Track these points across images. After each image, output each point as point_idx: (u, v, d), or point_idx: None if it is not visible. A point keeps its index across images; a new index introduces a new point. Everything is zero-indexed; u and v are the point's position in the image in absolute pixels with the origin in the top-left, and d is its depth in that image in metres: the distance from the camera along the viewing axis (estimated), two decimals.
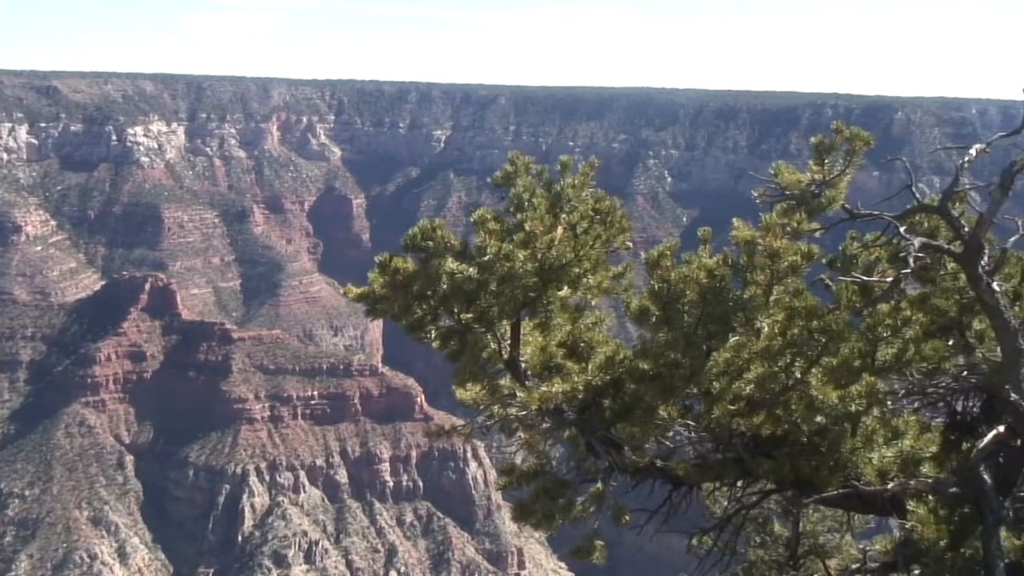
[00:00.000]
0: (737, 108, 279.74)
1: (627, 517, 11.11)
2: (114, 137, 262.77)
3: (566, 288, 11.21)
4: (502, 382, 11.74)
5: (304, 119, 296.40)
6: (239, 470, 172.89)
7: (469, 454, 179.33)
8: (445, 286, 11.12)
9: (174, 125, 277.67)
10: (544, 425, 11.63)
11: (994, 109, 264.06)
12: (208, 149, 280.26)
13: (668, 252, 10.36)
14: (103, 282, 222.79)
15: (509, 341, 11.67)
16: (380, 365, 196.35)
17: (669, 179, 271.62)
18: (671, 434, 11.23)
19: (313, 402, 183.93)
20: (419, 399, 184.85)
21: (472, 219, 10.92)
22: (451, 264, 11.05)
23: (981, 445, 10.66)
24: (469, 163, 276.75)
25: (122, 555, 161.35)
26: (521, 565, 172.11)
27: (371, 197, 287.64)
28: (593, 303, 11.77)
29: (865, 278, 11.10)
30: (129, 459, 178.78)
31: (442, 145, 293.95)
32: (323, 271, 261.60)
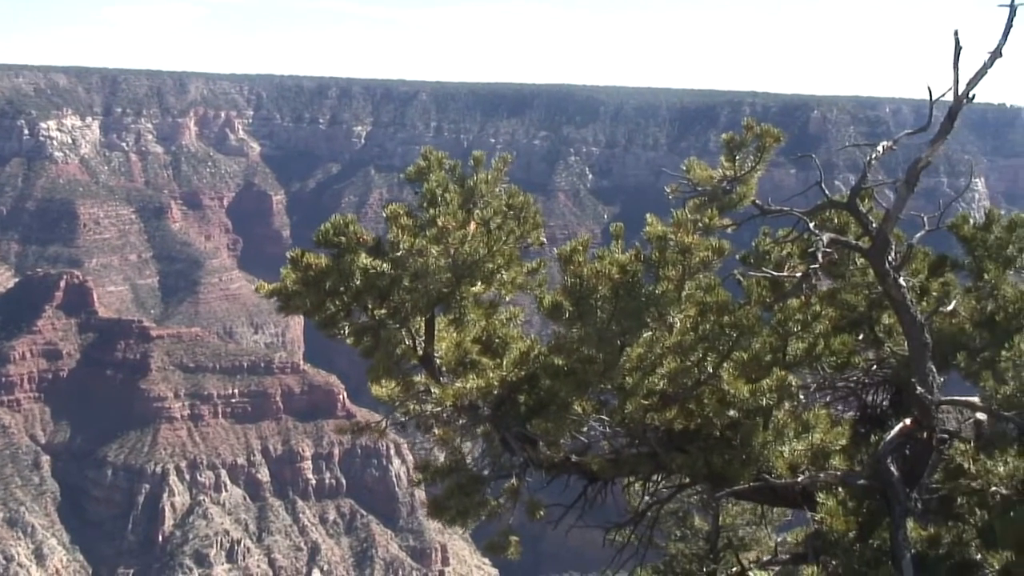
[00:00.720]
0: (657, 105, 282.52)
1: (541, 512, 11.07)
2: (26, 131, 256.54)
3: (480, 284, 11.12)
4: (417, 378, 11.62)
5: (222, 114, 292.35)
6: (159, 469, 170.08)
7: (392, 451, 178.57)
8: (358, 282, 10.96)
9: (88, 119, 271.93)
10: (459, 421, 11.54)
11: (907, 108, 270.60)
12: (124, 144, 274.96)
13: (580, 248, 10.31)
14: (16, 279, 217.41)
15: (423, 337, 11.57)
16: (301, 362, 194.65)
17: (590, 176, 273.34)
18: (585, 429, 11.20)
19: (234, 400, 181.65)
20: (341, 396, 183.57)
21: (384, 214, 10.78)
22: (364, 260, 10.90)
23: (888, 438, 10.80)
24: (390, 159, 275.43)
25: (39, 556, 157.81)
26: (445, 561, 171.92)
27: (291, 193, 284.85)
28: (507, 299, 11.70)
29: (775, 273, 11.18)
30: (45, 459, 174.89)
31: (363, 141, 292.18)
32: (243, 268, 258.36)
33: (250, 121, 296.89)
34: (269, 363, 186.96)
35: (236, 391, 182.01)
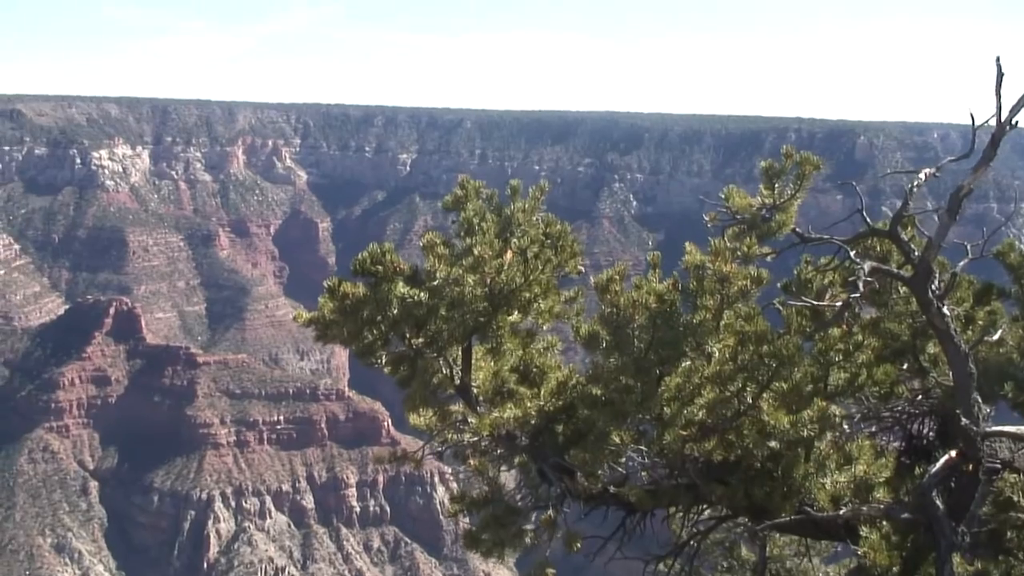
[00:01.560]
0: (702, 132, 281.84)
1: (578, 544, 10.97)
2: (78, 160, 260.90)
3: (516, 313, 11.12)
4: (454, 408, 11.62)
5: (269, 143, 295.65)
6: (204, 496, 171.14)
7: (436, 479, 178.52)
8: (395, 311, 10.99)
9: (139, 148, 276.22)
10: (497, 451, 11.50)
11: (955, 134, 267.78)
12: (173, 172, 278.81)
13: (617, 276, 10.28)
14: (67, 306, 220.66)
15: (460, 366, 11.57)
16: (346, 389, 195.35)
17: (634, 203, 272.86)
18: (624, 460, 11.12)
19: (279, 427, 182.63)
20: (386, 423, 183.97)
21: (421, 244, 10.81)
22: (401, 289, 10.94)
23: (933, 470, 10.59)
24: (435, 187, 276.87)
25: None
26: None
27: (337, 221, 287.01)
28: (544, 328, 11.68)
29: (816, 302, 11.05)
30: (93, 485, 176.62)
31: (408, 169, 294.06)
32: (289, 295, 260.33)
33: (297, 150, 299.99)
34: (314, 390, 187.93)
35: (281, 418, 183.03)
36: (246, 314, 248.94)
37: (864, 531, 10.09)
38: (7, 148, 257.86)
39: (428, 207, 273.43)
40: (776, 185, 11.12)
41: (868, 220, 11.07)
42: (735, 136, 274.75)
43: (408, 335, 11.31)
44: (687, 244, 10.86)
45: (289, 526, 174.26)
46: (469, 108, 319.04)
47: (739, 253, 10.68)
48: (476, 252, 10.58)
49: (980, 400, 10.64)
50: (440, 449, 11.78)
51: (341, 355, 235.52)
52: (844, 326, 10.80)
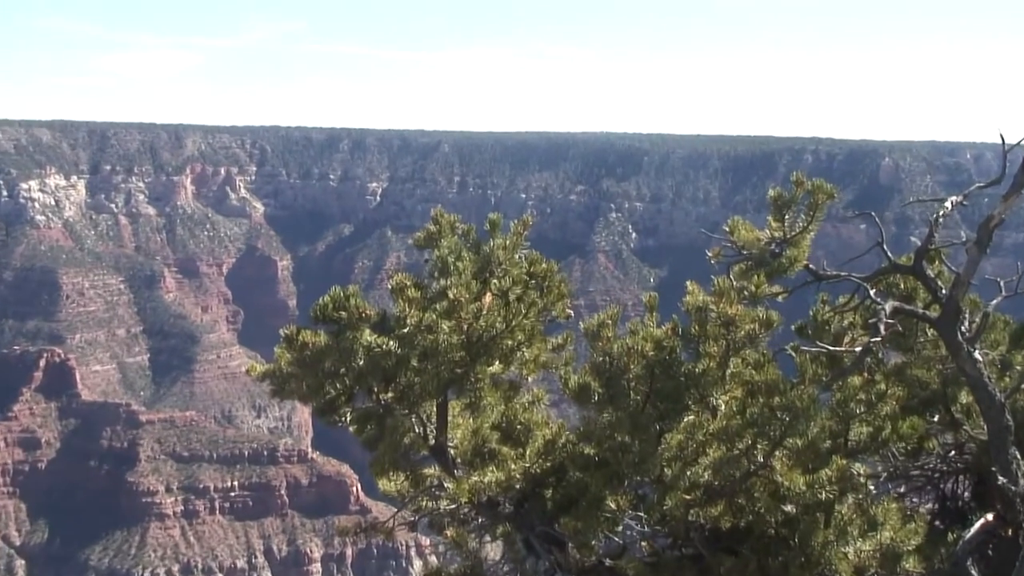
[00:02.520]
0: (708, 154, 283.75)
1: None
2: (5, 192, 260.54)
3: (497, 363, 11.17)
4: (428, 471, 11.63)
5: (222, 171, 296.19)
6: (148, 574, 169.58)
7: (412, 551, 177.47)
8: (360, 362, 11.04)
9: (74, 179, 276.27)
10: (477, 520, 11.50)
11: (991, 154, 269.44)
12: (113, 205, 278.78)
13: (609, 321, 10.35)
14: None
15: (435, 424, 11.60)
16: (309, 450, 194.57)
17: (634, 235, 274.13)
18: (620, 528, 11.11)
19: (233, 494, 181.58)
20: (355, 489, 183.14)
21: (389, 286, 10.87)
22: (367, 337, 10.98)
23: (968, 536, 10.64)
24: (408, 219, 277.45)
25: None
26: None
27: (298, 258, 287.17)
28: (529, 380, 11.74)
29: (831, 347, 11.13)
30: (19, 563, 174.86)
31: (378, 199, 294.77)
32: (244, 343, 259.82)
33: (252, 178, 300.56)
34: (273, 451, 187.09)
35: (236, 483, 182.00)
36: (195, 365, 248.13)
37: None
38: None
39: (401, 242, 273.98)
40: (786, 216, 11.22)
41: (889, 254, 11.18)
42: (745, 159, 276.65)
43: (375, 389, 11.34)
44: (688, 284, 10.94)
45: None
46: (447, 130, 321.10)
47: (746, 293, 10.75)
48: (451, 295, 10.64)
49: (1019, 456, 10.71)
50: (414, 518, 11.78)
51: (303, 411, 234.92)
52: (865, 374, 10.87)
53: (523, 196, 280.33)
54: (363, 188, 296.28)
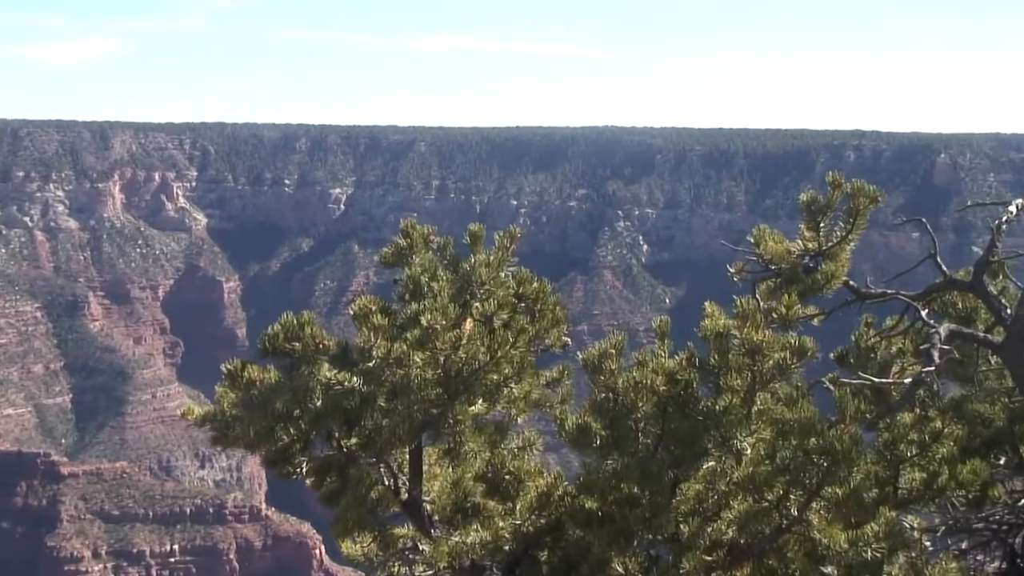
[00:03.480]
0: (732, 152, 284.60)
1: None
2: None
3: (480, 402, 11.18)
4: (400, 530, 11.62)
5: (156, 176, 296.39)
6: None
7: None
8: (318, 402, 11.04)
9: None
10: None
11: None
12: (27, 219, 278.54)
13: (613, 351, 10.36)
14: None
15: (407, 475, 11.61)
16: (263, 506, 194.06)
17: (645, 247, 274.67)
18: None
19: (173, 560, 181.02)
20: (317, 551, 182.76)
21: (351, 311, 10.88)
22: (326, 372, 11.00)
23: None
24: (378, 231, 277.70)
25: None
26: None
27: (248, 279, 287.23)
28: (519, 421, 11.75)
29: (876, 379, 11.15)
30: None
31: (342, 208, 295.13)
32: (184, 380, 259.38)
33: (193, 185, 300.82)
34: (220, 508, 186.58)
35: (176, 547, 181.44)
36: (126, 407, 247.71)
37: None
38: None
39: (369, 259, 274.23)
40: (822, 224, 11.28)
41: (944, 268, 11.21)
42: (776, 156, 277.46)
43: (336, 434, 11.35)
44: (706, 305, 10.97)
45: None
46: (424, 125, 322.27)
47: (775, 316, 10.78)
48: (425, 322, 10.65)
49: None
50: None
51: (255, 460, 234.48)
52: (917, 410, 10.88)
53: (514, 203, 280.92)
54: (324, 195, 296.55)
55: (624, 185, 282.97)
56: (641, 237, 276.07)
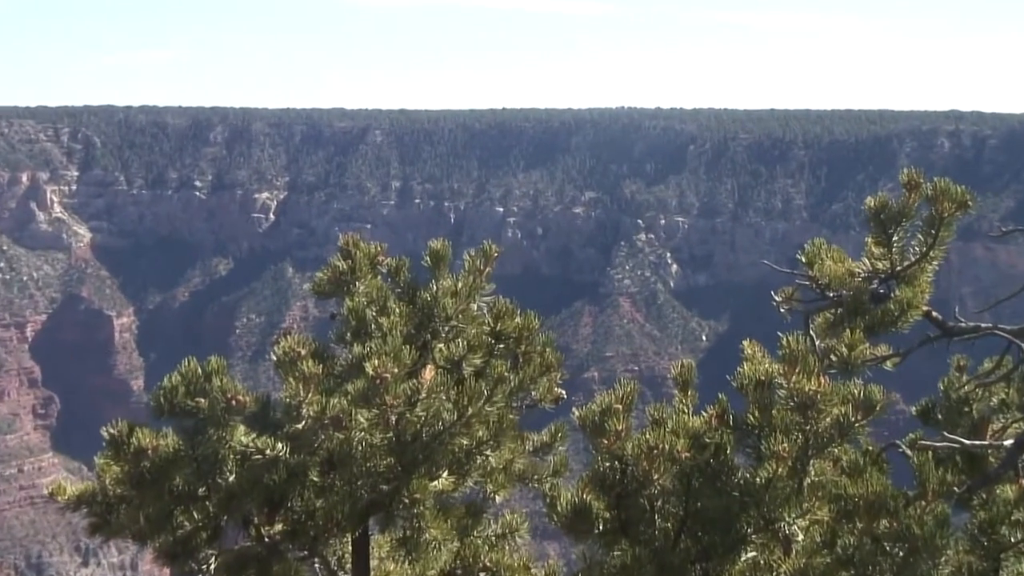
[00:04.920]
0: (789, 141, 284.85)
1: None
2: None
3: (445, 475, 11.21)
4: None
5: (23, 178, 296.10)
6: None
7: None
8: (231, 477, 11.06)
9: None
10: None
11: None
12: None
13: (619, 406, 10.39)
14: None
15: (350, 572, 11.61)
16: None
17: (674, 268, 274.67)
18: None
19: None
20: None
21: (274, 356, 10.90)
22: (241, 437, 10.99)
23: None
24: (319, 248, 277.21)
25: None
26: None
27: (146, 312, 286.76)
28: (498, 499, 11.77)
29: (968, 440, 11.20)
30: None
31: (271, 218, 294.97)
32: (61, 448, 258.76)
33: (73, 188, 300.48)
34: None
35: None
36: None
37: None
38: None
39: (308, 284, 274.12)
40: (896, 238, 11.31)
41: None
42: (846, 144, 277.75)
43: (255, 519, 11.35)
44: (744, 345, 11.03)
45: None
46: (380, 108, 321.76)
47: (834, 358, 10.83)
48: (372, 369, 10.66)
49: None
50: None
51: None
52: (1021, 482, 10.91)
53: (499, 210, 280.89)
54: (248, 201, 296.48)
55: (646, 186, 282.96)
56: (669, 255, 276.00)
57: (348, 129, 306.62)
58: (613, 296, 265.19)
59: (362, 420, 10.75)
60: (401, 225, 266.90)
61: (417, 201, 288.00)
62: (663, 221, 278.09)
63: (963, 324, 11.50)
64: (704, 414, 10.57)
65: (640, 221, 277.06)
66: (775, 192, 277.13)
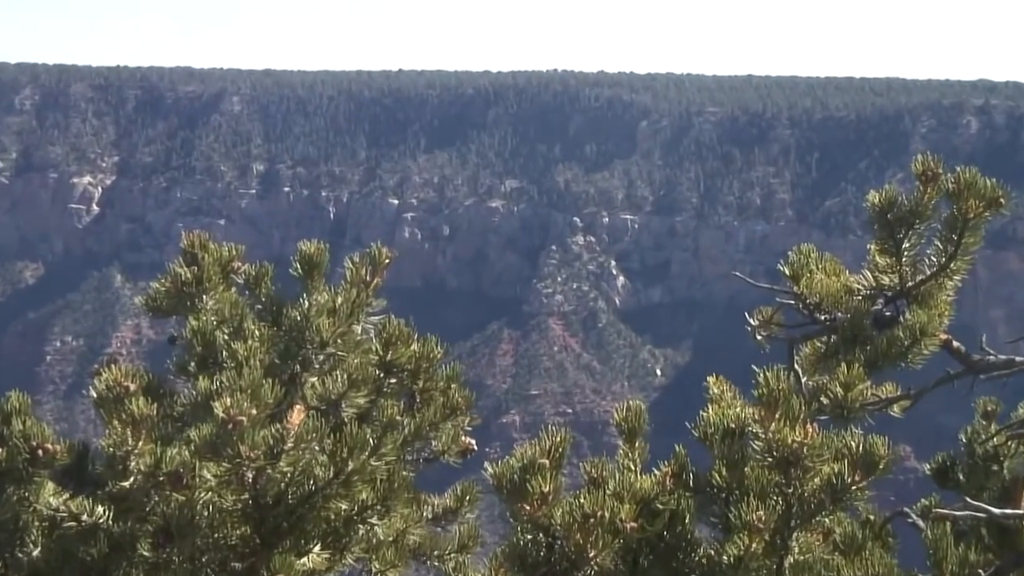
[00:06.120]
0: (771, 116, 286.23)
1: None
2: None
3: (317, 550, 11.17)
4: None
5: None
6: None
7: None
8: (35, 551, 11.00)
9: None
10: None
11: None
12: None
13: (547, 462, 10.38)
14: None
15: None
16: None
17: (621, 280, 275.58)
18: None
19: None
20: None
21: (93, 392, 10.84)
22: (49, 498, 10.94)
23: None
24: (159, 251, 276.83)
25: None
26: None
27: None
28: None
29: (999, 509, 11.27)
30: None
31: (95, 209, 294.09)
32: None
33: None
34: None
35: None
36: None
37: None
38: None
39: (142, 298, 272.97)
40: (907, 244, 11.36)
41: None
42: (845, 122, 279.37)
43: None
44: (710, 382, 11.06)
45: None
46: (238, 67, 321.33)
47: (826, 400, 10.88)
48: (222, 411, 10.60)
49: None
50: None
51: None
52: None
53: (393, 202, 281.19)
54: (63, 187, 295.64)
55: (584, 173, 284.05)
56: (614, 263, 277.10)
57: (196, 94, 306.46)
58: (541, 316, 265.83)
59: (209, 477, 10.69)
60: (265, 221, 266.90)
61: (286, 190, 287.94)
62: (606, 219, 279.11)
63: (992, 357, 11.55)
64: (657, 472, 10.56)
65: (577, 219, 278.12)
66: (752, 183, 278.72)
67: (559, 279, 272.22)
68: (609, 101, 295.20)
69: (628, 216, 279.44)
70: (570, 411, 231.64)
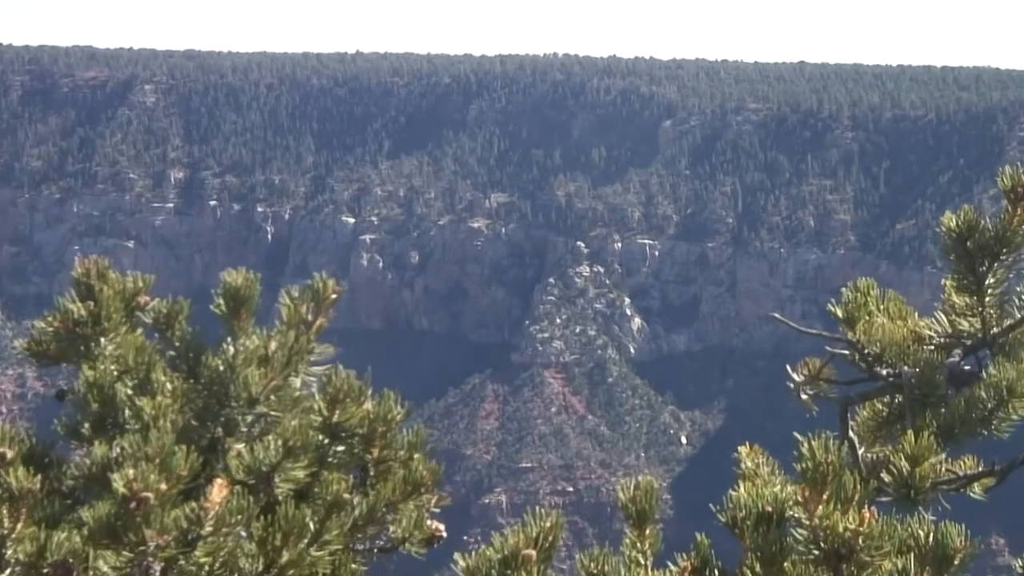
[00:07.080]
0: (827, 115, 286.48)
1: None
2: None
3: None
4: None
5: None
6: None
7: None
8: None
9: None
10: None
11: None
12: None
13: (533, 553, 10.44)
14: None
15: None
16: None
17: (636, 321, 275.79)
18: None
19: None
20: None
21: None
22: None
23: None
24: (49, 278, 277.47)
25: None
26: None
27: None
28: None
29: None
30: None
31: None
32: None
33: None
34: None
35: None
36: None
37: None
38: None
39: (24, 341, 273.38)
40: (991, 280, 11.40)
41: None
42: (923, 124, 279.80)
43: None
44: (742, 452, 11.11)
45: None
46: (152, 47, 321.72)
47: (888, 477, 10.93)
48: (123, 485, 10.65)
49: None
50: None
51: None
52: None
53: (347, 220, 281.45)
54: None
55: (592, 185, 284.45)
56: (628, 301, 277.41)
57: (100, 81, 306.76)
58: (535, 368, 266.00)
59: (106, 569, 10.74)
60: (184, 244, 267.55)
61: (213, 203, 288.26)
62: (619, 245, 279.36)
63: None
64: (672, 568, 10.61)
65: (581, 244, 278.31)
66: (804, 200, 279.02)
67: (558, 321, 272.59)
68: (623, 94, 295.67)
69: (647, 241, 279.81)
70: (571, 489, 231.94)
